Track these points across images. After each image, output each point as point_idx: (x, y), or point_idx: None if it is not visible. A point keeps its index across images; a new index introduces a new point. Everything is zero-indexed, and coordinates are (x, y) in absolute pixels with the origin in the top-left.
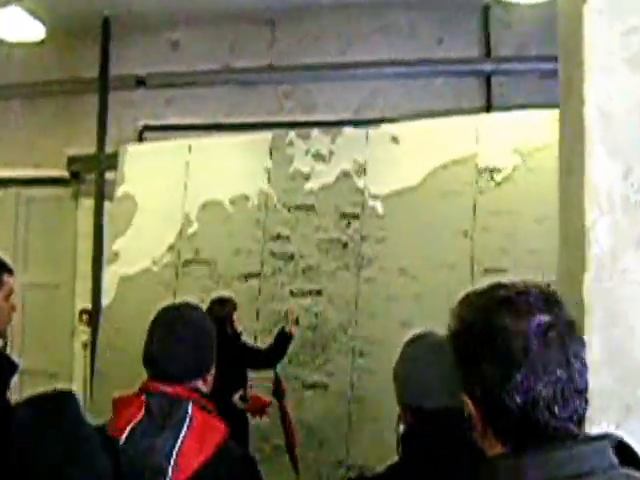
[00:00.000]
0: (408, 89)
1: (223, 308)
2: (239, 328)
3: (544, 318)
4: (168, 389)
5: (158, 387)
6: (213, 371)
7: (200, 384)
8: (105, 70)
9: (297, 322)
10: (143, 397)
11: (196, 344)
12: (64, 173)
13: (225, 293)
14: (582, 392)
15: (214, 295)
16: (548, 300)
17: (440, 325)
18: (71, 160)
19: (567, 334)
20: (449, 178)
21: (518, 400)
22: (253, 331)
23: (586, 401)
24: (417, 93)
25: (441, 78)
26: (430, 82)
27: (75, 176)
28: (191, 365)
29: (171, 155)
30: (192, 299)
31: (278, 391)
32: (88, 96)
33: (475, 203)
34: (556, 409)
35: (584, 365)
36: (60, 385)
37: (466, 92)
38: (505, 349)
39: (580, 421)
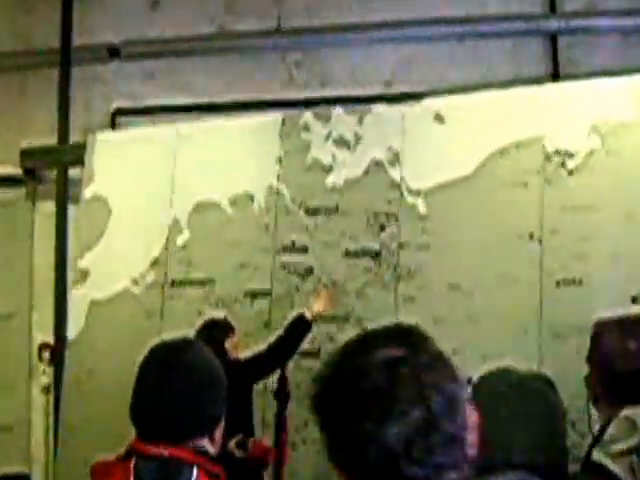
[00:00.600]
0: (454, 54)
1: (216, 333)
2: (234, 354)
3: (393, 352)
4: (164, 451)
5: (150, 449)
6: (222, 425)
7: (206, 443)
8: (67, 39)
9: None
10: (131, 462)
11: (199, 393)
12: (16, 170)
13: (218, 314)
14: (452, 436)
15: (204, 318)
16: (401, 334)
17: (505, 355)
18: (25, 153)
19: (425, 370)
20: (509, 166)
21: (371, 450)
22: None
23: (462, 446)
24: (465, 59)
25: (495, 40)
26: (481, 45)
27: (30, 173)
28: (194, 420)
29: (153, 145)
30: (185, 330)
31: (281, 392)
32: (47, 71)
33: (543, 197)
34: (414, 455)
35: (453, 404)
36: (13, 443)
37: (527, 57)
38: (352, 392)
39: (452, 468)
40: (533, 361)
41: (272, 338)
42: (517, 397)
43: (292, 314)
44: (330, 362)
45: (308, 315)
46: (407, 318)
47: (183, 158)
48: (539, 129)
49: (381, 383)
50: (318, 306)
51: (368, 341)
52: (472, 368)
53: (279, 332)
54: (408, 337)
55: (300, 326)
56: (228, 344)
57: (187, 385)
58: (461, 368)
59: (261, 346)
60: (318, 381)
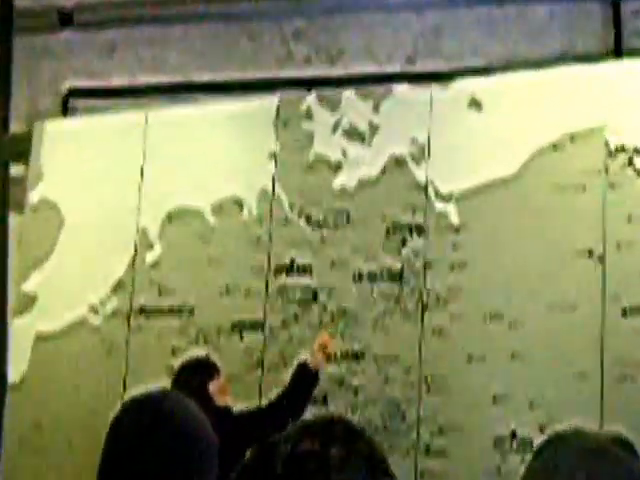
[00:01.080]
0: (492, 22)
1: (198, 376)
2: (223, 400)
3: (305, 446)
4: None
5: None
6: None
7: None
8: (8, 1)
9: (328, 356)
10: None
11: (185, 463)
12: None
13: (199, 352)
14: None
15: (183, 358)
16: (315, 427)
17: (557, 402)
18: None
19: (337, 467)
20: (562, 165)
21: None
22: None
23: None
24: (507, 29)
25: (544, 4)
26: (527, 11)
27: None
28: None
29: (116, 136)
30: (158, 371)
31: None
32: None
33: (605, 204)
34: None
35: None
36: None
37: (583, 27)
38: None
39: None
40: (593, 409)
41: (274, 395)
42: (592, 466)
43: (290, 352)
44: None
45: (311, 364)
46: (435, 355)
47: (154, 153)
48: (600, 118)
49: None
50: (315, 359)
51: (289, 432)
52: (517, 417)
53: (283, 388)
54: (331, 430)
55: (304, 378)
56: (213, 387)
57: (171, 456)
58: (503, 417)
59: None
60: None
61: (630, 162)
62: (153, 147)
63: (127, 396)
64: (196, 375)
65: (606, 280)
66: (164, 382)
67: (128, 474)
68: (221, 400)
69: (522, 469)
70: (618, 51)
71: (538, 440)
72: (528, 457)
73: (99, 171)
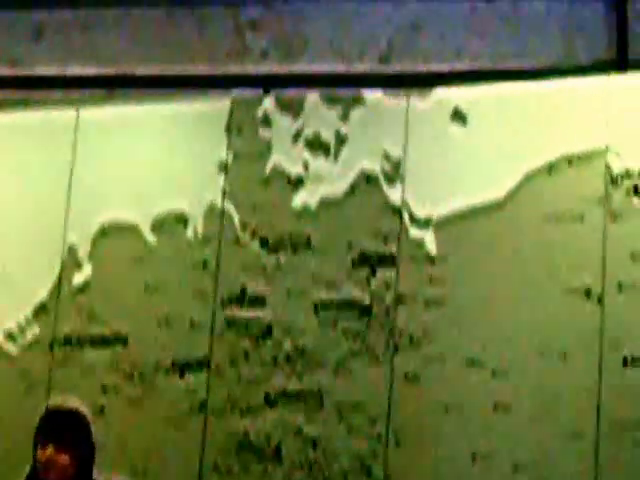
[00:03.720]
0: (479, 20)
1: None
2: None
3: None
4: None
5: None
6: None
7: None
8: None
9: None
10: None
11: None
12: None
13: (68, 399)
14: None
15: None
16: None
17: (547, 462)
18: None
19: None
20: (558, 191)
21: None
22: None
23: None
24: (496, 28)
25: (538, 2)
26: (519, 8)
27: None
28: None
29: (41, 136)
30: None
31: None
32: None
33: (606, 237)
34: None
35: None
36: None
37: (584, 32)
38: None
39: None
40: (586, 474)
41: None
42: None
43: (238, 394)
44: None
45: None
46: (406, 403)
47: (85, 157)
48: (601, 138)
49: None
50: None
51: None
52: (500, 479)
53: None
54: None
55: None
56: (39, 456)
57: None
58: (484, 478)
59: None
60: None
61: (635, 190)
62: (84, 150)
63: None
64: (36, 433)
65: (605, 325)
66: (93, 424)
67: None
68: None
69: None
70: (623, 60)
71: None
72: None
73: (21, 177)
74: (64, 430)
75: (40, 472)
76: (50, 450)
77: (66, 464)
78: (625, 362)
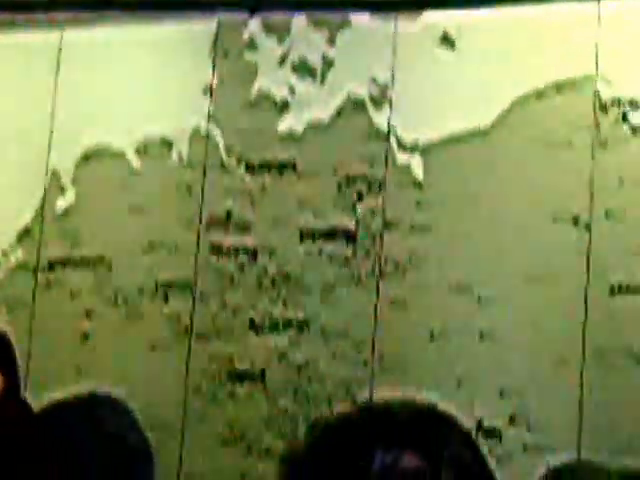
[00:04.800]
0: None
1: None
2: None
3: (408, 461)
4: None
5: None
6: None
7: None
8: None
9: None
10: None
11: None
12: None
13: None
14: None
15: None
16: (425, 431)
17: (532, 388)
18: None
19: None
20: (546, 117)
21: None
22: (173, 403)
23: None
24: None
25: None
26: None
27: None
28: None
29: (23, 59)
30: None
31: None
32: None
33: (594, 165)
34: None
35: None
36: None
37: None
38: None
39: None
40: (571, 400)
41: None
42: None
43: (223, 320)
44: (310, 446)
45: None
46: (392, 330)
47: (69, 81)
48: (591, 65)
49: None
50: None
51: (372, 431)
52: (484, 406)
53: None
54: (435, 435)
55: None
56: None
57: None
58: (468, 405)
59: None
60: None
61: (624, 118)
62: (68, 74)
63: (31, 360)
64: None
65: (592, 253)
66: (76, 348)
67: None
68: None
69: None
70: None
71: (507, 432)
72: (494, 451)
73: (3, 100)
74: None
75: None
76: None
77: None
78: (612, 290)
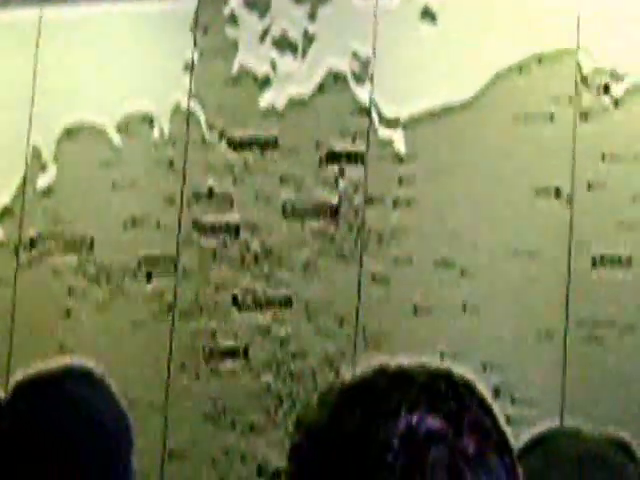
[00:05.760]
0: None
1: None
2: None
3: (429, 424)
4: None
5: None
6: None
7: None
8: None
9: None
10: None
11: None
12: None
13: None
14: None
15: None
16: (445, 394)
17: (515, 362)
18: None
19: (471, 465)
20: (527, 90)
21: None
22: (157, 386)
23: None
24: None
25: None
26: None
27: None
28: None
29: (4, 37)
30: (52, 315)
31: None
32: None
33: (575, 137)
34: None
35: None
36: None
37: None
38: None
39: None
40: (554, 373)
41: None
42: (586, 476)
43: (206, 296)
44: (327, 413)
45: None
46: (375, 304)
47: (50, 57)
48: (572, 37)
49: (397, 464)
50: None
51: (392, 392)
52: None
53: None
54: (455, 398)
55: None
56: None
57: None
58: None
59: None
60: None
61: (606, 89)
62: (48, 50)
63: (14, 339)
64: None
65: (574, 225)
66: (59, 325)
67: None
68: None
69: None
70: None
71: (492, 405)
72: None
73: None
74: None
75: None
76: None
77: None
78: (594, 262)
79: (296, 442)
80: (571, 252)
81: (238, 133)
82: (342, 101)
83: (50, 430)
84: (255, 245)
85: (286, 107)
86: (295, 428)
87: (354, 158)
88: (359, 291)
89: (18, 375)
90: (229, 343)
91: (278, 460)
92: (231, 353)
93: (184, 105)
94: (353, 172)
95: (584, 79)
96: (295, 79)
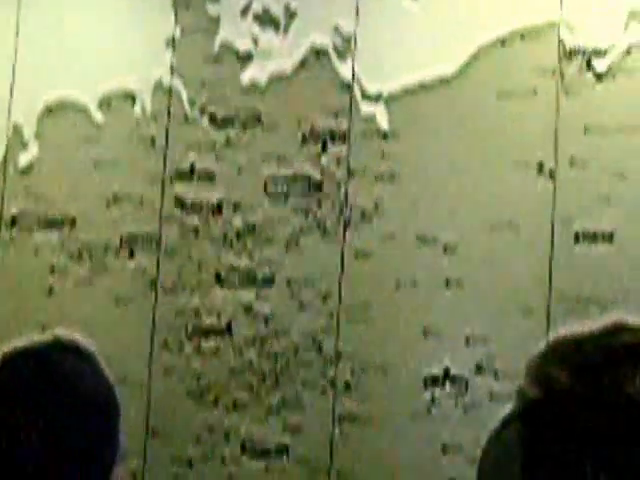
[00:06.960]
0: None
1: None
2: None
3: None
4: None
5: None
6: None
7: None
8: None
9: None
10: None
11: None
12: None
13: None
14: None
15: None
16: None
17: (497, 337)
18: None
19: None
20: (509, 65)
21: None
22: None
23: None
24: None
25: None
26: None
27: None
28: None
29: None
30: (34, 298)
31: None
32: None
33: (558, 112)
34: None
35: None
36: None
37: None
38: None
39: None
40: (536, 347)
41: None
42: None
43: (189, 273)
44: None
45: None
46: (358, 280)
47: (30, 34)
48: (554, 12)
49: None
50: None
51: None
52: (451, 354)
53: None
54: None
55: None
56: None
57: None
58: (435, 353)
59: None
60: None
61: (588, 64)
62: (28, 26)
63: None
64: None
65: (557, 200)
66: (41, 303)
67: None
68: None
69: (455, 412)
70: None
71: (474, 381)
72: (462, 399)
73: None
74: None
75: None
76: None
77: None
78: (577, 237)
79: (535, 400)
80: (554, 227)
81: (220, 109)
82: (324, 77)
83: (35, 402)
84: (237, 222)
85: (268, 83)
86: (530, 382)
87: (337, 134)
88: (342, 267)
89: (4, 347)
90: (212, 320)
91: (262, 436)
92: (214, 330)
93: (166, 82)
94: (335, 148)
95: (567, 54)
96: (277, 55)
